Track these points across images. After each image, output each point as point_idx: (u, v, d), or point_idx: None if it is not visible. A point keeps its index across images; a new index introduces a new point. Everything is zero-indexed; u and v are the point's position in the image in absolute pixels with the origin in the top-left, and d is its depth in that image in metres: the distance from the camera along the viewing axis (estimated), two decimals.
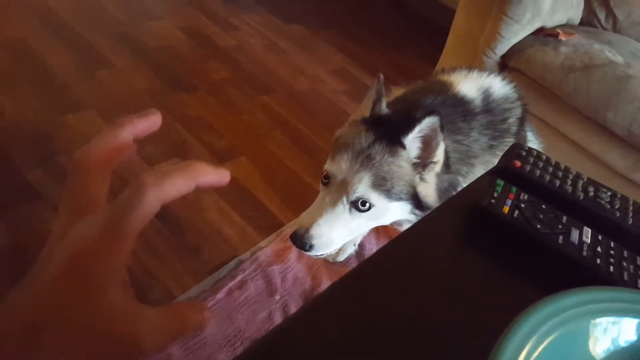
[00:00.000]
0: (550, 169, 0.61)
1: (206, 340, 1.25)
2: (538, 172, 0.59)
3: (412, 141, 1.02)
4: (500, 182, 0.55)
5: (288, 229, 1.71)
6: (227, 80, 2.50)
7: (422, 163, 1.04)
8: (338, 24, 3.39)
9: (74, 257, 0.30)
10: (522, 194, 0.54)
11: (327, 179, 1.09)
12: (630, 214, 0.57)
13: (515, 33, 2.18)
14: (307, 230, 1.05)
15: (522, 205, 0.52)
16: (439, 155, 1.04)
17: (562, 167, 0.63)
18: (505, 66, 2.32)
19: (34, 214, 1.52)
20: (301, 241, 1.05)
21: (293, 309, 1.43)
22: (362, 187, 1.01)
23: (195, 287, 1.42)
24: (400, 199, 1.04)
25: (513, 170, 0.59)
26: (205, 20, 2.90)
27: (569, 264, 0.48)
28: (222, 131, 2.14)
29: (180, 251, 1.55)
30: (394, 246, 0.50)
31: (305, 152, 2.19)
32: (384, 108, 1.07)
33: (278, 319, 1.39)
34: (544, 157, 0.63)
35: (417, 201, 1.06)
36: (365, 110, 1.10)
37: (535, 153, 0.63)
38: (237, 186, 1.88)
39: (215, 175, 0.37)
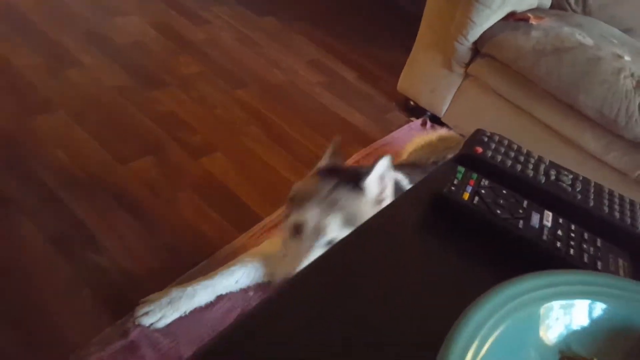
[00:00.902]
0: (512, 154, 0.61)
1: (177, 339, 1.25)
2: (499, 158, 0.59)
3: (369, 184, 1.18)
4: (461, 169, 0.55)
5: (264, 224, 1.71)
6: (199, 75, 2.46)
7: (378, 199, 1.19)
8: (311, 15, 3.36)
9: None
10: (483, 180, 0.54)
11: (297, 230, 1.17)
12: (592, 196, 0.57)
13: (486, 18, 2.19)
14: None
15: (483, 192, 0.52)
16: (390, 191, 1.21)
17: (524, 152, 0.63)
18: (477, 52, 2.33)
19: (5, 220, 1.48)
20: None
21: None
22: (334, 228, 1.13)
23: (173, 283, 1.41)
24: None
25: (474, 156, 0.59)
26: (175, 14, 2.85)
27: (530, 249, 0.49)
28: (196, 127, 2.11)
29: (157, 250, 1.52)
30: (357, 237, 0.49)
31: (281, 145, 2.17)
32: (338, 161, 1.28)
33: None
34: (506, 142, 0.63)
35: None
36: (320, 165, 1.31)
37: (497, 139, 0.63)
38: (213, 182, 1.86)
39: None
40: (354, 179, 1.19)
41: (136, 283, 1.41)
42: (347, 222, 1.13)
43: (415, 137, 2.06)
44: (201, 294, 1.32)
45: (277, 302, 0.41)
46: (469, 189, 0.52)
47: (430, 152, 1.71)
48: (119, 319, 1.30)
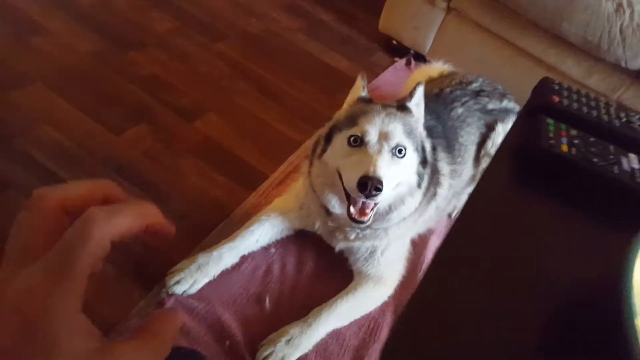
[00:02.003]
0: (584, 100, 0.61)
1: (212, 302, 1.27)
2: (576, 105, 0.60)
3: (412, 106, 1.26)
4: (550, 120, 0.55)
5: (271, 181, 1.71)
6: (174, 30, 2.35)
7: (418, 123, 1.27)
8: None
9: (25, 314, 0.27)
10: (571, 130, 0.55)
11: (356, 142, 1.15)
12: None
13: None
14: (375, 172, 1.06)
15: (576, 142, 0.53)
16: (422, 116, 1.29)
17: (593, 97, 0.64)
18: None
19: (7, 206, 1.43)
20: (377, 180, 1.05)
21: (290, 258, 1.46)
22: (399, 134, 1.15)
23: (195, 249, 1.42)
24: (417, 150, 1.20)
25: (552, 106, 0.59)
26: None
27: (625, 192, 0.50)
28: (182, 88, 2.04)
29: (171, 220, 1.50)
30: (472, 207, 0.50)
31: (273, 100, 2.14)
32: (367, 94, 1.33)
33: (276, 270, 1.42)
34: (574, 89, 0.64)
35: (423, 154, 1.23)
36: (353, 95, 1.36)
37: (566, 86, 0.63)
38: (212, 145, 1.83)
39: (164, 223, 0.36)
40: (396, 104, 1.26)
41: (158, 254, 1.41)
42: (407, 132, 1.17)
43: (402, 83, 2.04)
44: (226, 256, 1.35)
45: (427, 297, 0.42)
46: (564, 140, 0.53)
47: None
48: (150, 291, 1.31)
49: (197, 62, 2.20)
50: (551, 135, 0.54)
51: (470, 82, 1.66)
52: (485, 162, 1.66)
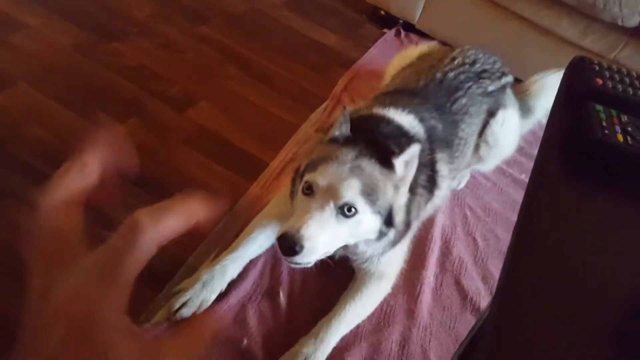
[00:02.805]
0: (626, 79, 0.58)
1: (229, 300, 1.26)
2: (620, 87, 0.56)
3: (399, 164, 1.12)
4: (599, 107, 0.52)
5: (271, 171, 1.68)
6: (155, 16, 2.26)
7: (397, 185, 1.14)
8: None
9: (72, 320, 0.27)
10: (622, 116, 0.52)
11: (309, 189, 1.10)
12: None
13: None
14: (298, 231, 1.02)
15: (629, 129, 0.50)
16: (411, 177, 1.16)
17: (634, 75, 0.60)
18: None
19: (4, 214, 1.39)
20: (292, 241, 1.01)
21: None
22: (352, 192, 1.06)
23: (203, 244, 1.40)
24: (379, 212, 1.11)
25: (597, 89, 0.55)
26: None
27: None
28: (170, 77, 1.97)
29: None
30: (531, 208, 0.47)
31: (264, 82, 2.08)
32: (348, 131, 1.18)
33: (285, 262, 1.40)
34: (613, 68, 0.60)
35: (388, 217, 1.14)
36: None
37: (605, 65, 0.60)
38: (207, 134, 1.78)
39: (212, 210, 0.34)
40: (379, 153, 1.14)
41: (162, 251, 1.39)
42: (365, 192, 1.07)
43: (393, 57, 1.98)
44: (230, 268, 1.28)
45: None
46: (618, 129, 0.50)
47: (416, 73, 1.65)
48: (159, 290, 1.30)
49: (182, 49, 2.13)
50: (604, 124, 0.50)
51: (473, 62, 1.60)
52: (482, 150, 1.63)
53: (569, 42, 2.23)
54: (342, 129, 1.18)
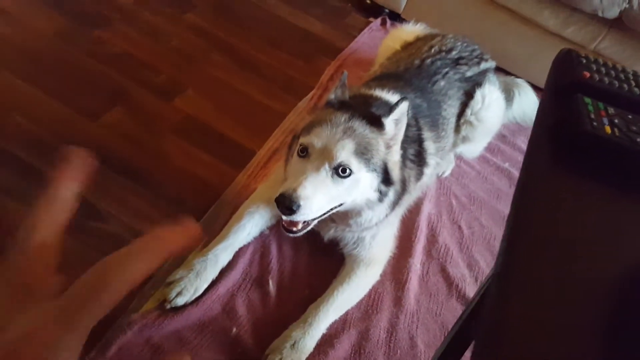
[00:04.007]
0: (612, 73, 0.59)
1: (218, 290, 1.27)
2: (607, 80, 0.57)
3: (389, 123, 1.16)
4: (588, 100, 0.53)
5: (259, 160, 1.68)
6: (140, 3, 2.23)
7: (389, 144, 1.18)
8: None
9: (15, 354, 0.26)
10: (609, 109, 0.53)
11: (304, 152, 1.13)
12: None
13: None
14: (295, 190, 1.05)
15: (616, 121, 0.51)
16: (401, 135, 1.19)
17: (619, 68, 0.61)
18: None
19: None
20: (290, 200, 1.04)
21: (286, 239, 1.45)
22: (345, 153, 1.09)
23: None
24: (374, 170, 1.14)
25: (584, 82, 0.56)
26: None
27: None
28: (156, 65, 1.95)
29: (162, 205, 1.48)
30: (524, 198, 0.48)
31: (250, 70, 2.07)
32: (346, 95, 1.22)
33: (274, 251, 1.41)
34: (600, 61, 0.61)
35: (385, 175, 1.17)
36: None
37: (592, 58, 0.61)
38: (194, 123, 1.77)
39: (185, 237, 0.33)
40: (370, 114, 1.17)
41: None
42: (358, 152, 1.11)
43: (381, 44, 1.99)
44: (222, 256, 1.30)
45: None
46: (606, 121, 0.51)
47: (396, 61, 1.67)
48: (147, 282, 1.29)
49: (168, 36, 2.10)
50: (592, 116, 0.52)
51: (450, 50, 1.64)
52: (464, 130, 1.66)
53: (551, 32, 2.26)
54: (337, 93, 1.23)
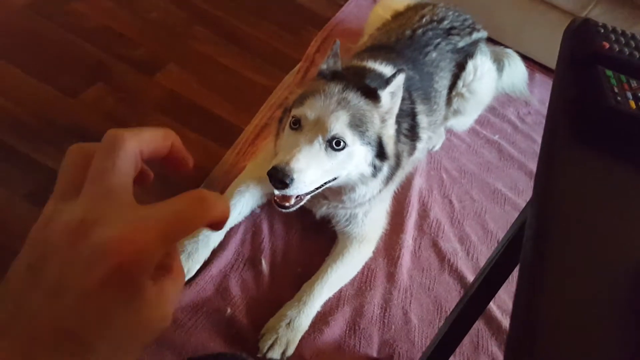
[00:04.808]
0: (632, 42, 0.55)
1: (210, 271, 1.25)
2: (627, 50, 0.54)
3: (385, 95, 1.13)
4: (609, 72, 0.50)
5: (246, 137, 1.64)
6: None
7: (384, 117, 1.15)
8: None
9: (121, 262, 0.27)
10: (631, 81, 0.50)
11: (296, 124, 1.09)
12: None
13: None
14: (288, 164, 1.02)
15: (639, 95, 0.48)
16: (397, 108, 1.16)
17: (637, 37, 0.58)
18: None
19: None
20: (283, 173, 1.01)
21: (277, 217, 1.43)
22: (340, 125, 1.06)
23: None
24: (369, 144, 1.11)
25: (604, 53, 0.53)
26: None
27: None
28: (136, 39, 1.87)
29: (147, 186, 1.44)
30: (547, 177, 0.46)
31: (234, 43, 2.01)
32: (339, 65, 1.18)
33: (266, 230, 1.39)
34: (618, 30, 0.58)
35: (379, 149, 1.13)
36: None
37: (610, 27, 0.58)
38: (178, 99, 1.72)
39: (184, 149, 0.38)
40: (365, 86, 1.14)
41: None
42: (353, 124, 1.07)
43: (371, 13, 1.93)
44: (213, 237, 1.27)
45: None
46: (630, 95, 0.49)
47: (387, 32, 1.62)
48: None
49: (147, 8, 2.01)
50: (615, 90, 0.49)
51: (442, 20, 1.60)
52: (456, 103, 1.64)
53: (568, 12, 2.22)
54: (329, 63, 1.19)
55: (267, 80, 1.90)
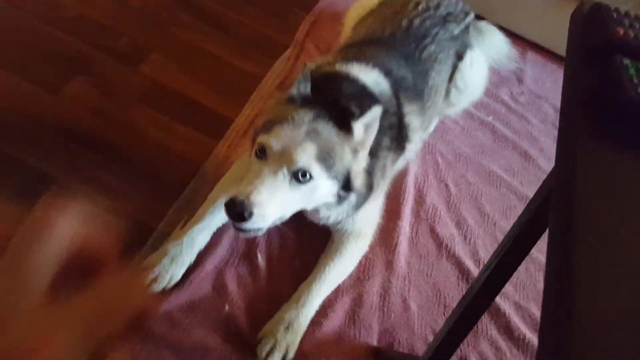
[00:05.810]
0: None
1: (205, 268, 1.22)
2: None
3: (358, 127, 1.06)
4: (627, 62, 0.47)
5: (237, 129, 1.59)
6: None
7: (356, 149, 1.08)
8: None
9: None
10: None
11: (262, 152, 1.04)
12: None
13: None
14: (248, 197, 0.97)
15: None
16: (371, 141, 1.10)
17: None
18: None
19: None
20: (241, 207, 0.96)
21: None
22: (307, 157, 1.00)
23: (171, 210, 1.33)
24: (335, 177, 1.06)
25: (619, 41, 0.50)
26: None
27: None
28: (116, 28, 1.81)
29: (139, 182, 1.40)
30: (568, 173, 0.43)
31: (219, 29, 1.94)
32: (309, 90, 1.11)
33: None
34: (631, 14, 0.55)
35: (346, 182, 1.09)
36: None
37: (622, 11, 0.54)
38: (164, 90, 1.66)
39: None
40: (338, 114, 1.08)
41: (134, 220, 1.31)
42: (320, 157, 1.02)
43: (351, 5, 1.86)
44: (198, 239, 1.23)
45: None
46: None
47: (381, 21, 1.55)
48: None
49: None
50: (635, 81, 0.46)
51: (438, 6, 1.55)
52: (453, 96, 1.60)
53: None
54: (300, 88, 1.11)
55: (255, 67, 1.85)
